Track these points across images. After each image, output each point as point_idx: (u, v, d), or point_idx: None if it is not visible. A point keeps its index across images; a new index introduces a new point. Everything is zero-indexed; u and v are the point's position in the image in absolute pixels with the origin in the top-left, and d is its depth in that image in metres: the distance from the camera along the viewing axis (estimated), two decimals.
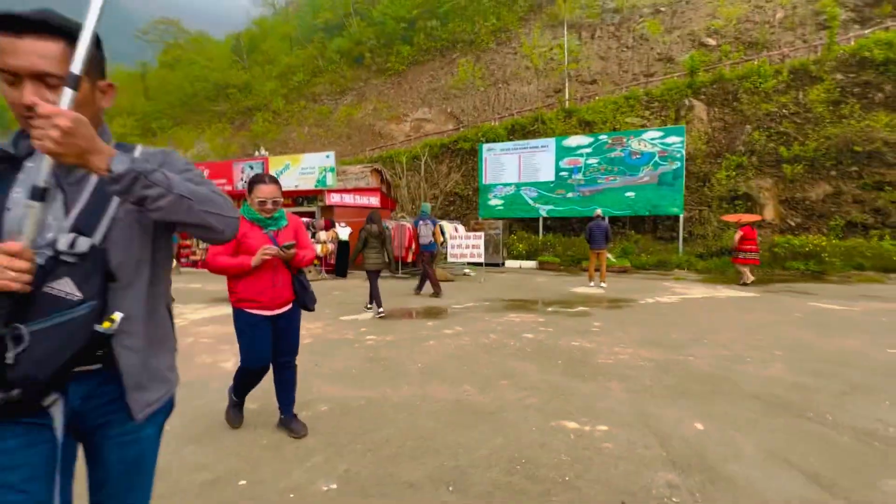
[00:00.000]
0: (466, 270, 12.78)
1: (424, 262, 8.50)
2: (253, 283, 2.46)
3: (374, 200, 14.18)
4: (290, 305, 2.62)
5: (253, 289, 2.46)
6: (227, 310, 7.06)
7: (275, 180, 2.54)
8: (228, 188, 13.43)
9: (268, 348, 2.58)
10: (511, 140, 18.47)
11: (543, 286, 10.03)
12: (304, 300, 2.64)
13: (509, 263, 15.33)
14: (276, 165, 12.75)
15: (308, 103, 38.81)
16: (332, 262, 11.56)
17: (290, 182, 12.54)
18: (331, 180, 12.13)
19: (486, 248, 14.80)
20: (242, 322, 2.51)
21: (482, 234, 10.96)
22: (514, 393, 3.36)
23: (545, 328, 5.55)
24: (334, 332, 5.44)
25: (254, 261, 2.36)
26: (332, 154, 12.35)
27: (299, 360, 4.29)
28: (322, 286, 10.01)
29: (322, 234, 11.33)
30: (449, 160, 21.07)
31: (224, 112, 42.46)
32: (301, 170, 12.40)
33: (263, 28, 52.80)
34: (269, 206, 2.47)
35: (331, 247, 11.29)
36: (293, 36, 47.08)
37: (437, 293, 8.21)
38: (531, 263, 14.95)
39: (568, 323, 5.90)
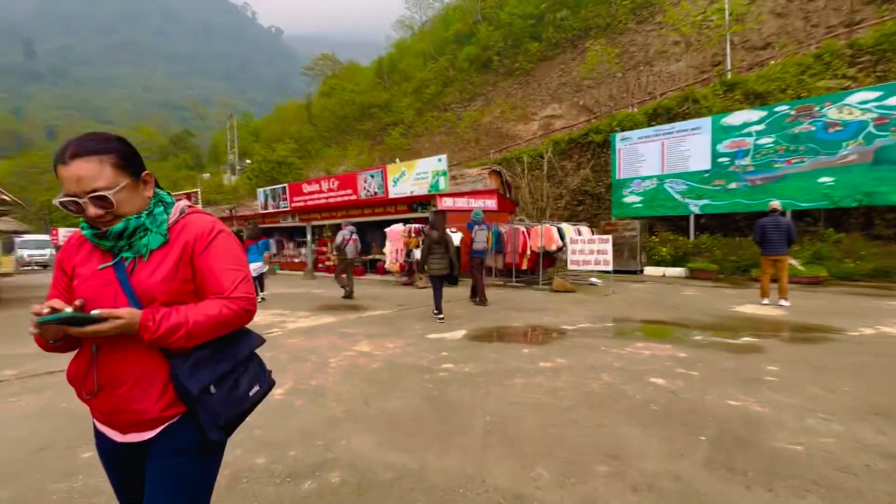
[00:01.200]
0: (593, 279, 11.04)
1: (474, 269, 8.25)
2: (78, 372, 1.17)
3: (490, 203, 13.37)
4: (163, 426, 1.14)
5: (83, 387, 1.15)
6: (324, 320, 7.02)
7: (98, 146, 1.08)
8: (353, 197, 14.10)
9: (134, 498, 1.24)
10: (653, 126, 15.75)
11: (693, 302, 7.88)
12: (199, 413, 1.12)
13: (649, 271, 12.93)
14: (392, 173, 12.89)
15: (439, 113, 40.19)
16: None
17: (405, 189, 12.52)
18: (443, 184, 11.70)
19: (621, 253, 12.76)
20: (95, 441, 1.25)
21: (609, 237, 9.22)
22: (615, 495, 2.10)
23: (687, 370, 3.95)
24: (412, 353, 4.72)
25: (32, 329, 1.03)
26: (443, 157, 11.92)
27: (349, 394, 3.70)
28: (429, 294, 9.55)
29: None
30: (578, 155, 19.09)
31: (368, 130, 46.79)
32: (415, 175, 12.28)
33: (401, 49, 56.95)
34: (92, 210, 1.08)
35: None
36: (427, 52, 49.56)
37: (482, 301, 7.96)
38: (678, 271, 12.35)
39: (725, 363, 4.15)
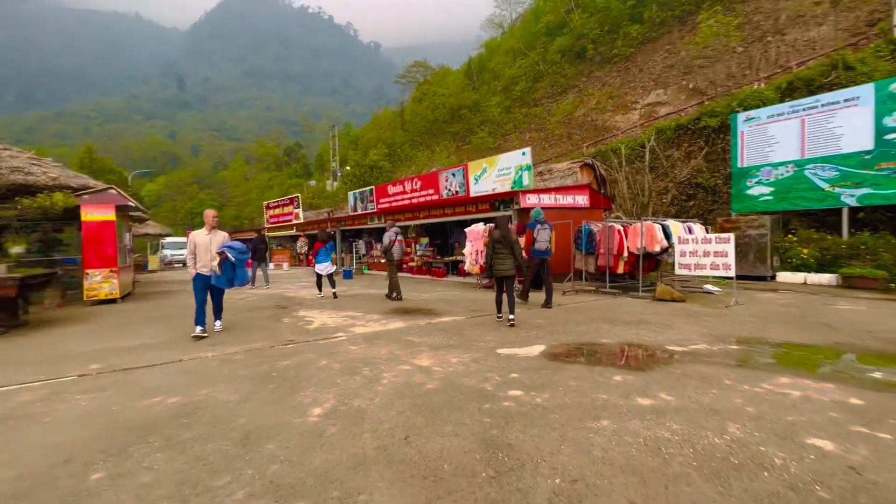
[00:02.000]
0: (708, 286, 9.27)
1: (543, 271, 8.00)
2: None
3: (581, 199, 12.10)
4: None
5: None
6: (393, 325, 6.62)
7: None
8: (434, 197, 13.81)
9: None
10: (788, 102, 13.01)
11: (855, 320, 6.01)
12: None
13: (783, 277, 10.61)
14: (474, 171, 12.29)
15: (528, 109, 38.80)
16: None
17: (487, 186, 11.84)
18: (527, 180, 10.78)
19: (745, 255, 10.70)
20: None
21: (730, 236, 7.55)
22: None
23: (870, 428, 2.68)
24: (475, 373, 4.02)
25: None
26: (527, 151, 10.98)
27: (390, 423, 3.11)
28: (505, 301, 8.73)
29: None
30: (687, 143, 16.69)
31: (457, 132, 46.97)
32: (497, 172, 11.52)
33: (490, 48, 56.40)
34: None
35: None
36: (517, 48, 48.29)
37: (523, 296, 8.06)
38: (826, 278, 9.92)
39: None
